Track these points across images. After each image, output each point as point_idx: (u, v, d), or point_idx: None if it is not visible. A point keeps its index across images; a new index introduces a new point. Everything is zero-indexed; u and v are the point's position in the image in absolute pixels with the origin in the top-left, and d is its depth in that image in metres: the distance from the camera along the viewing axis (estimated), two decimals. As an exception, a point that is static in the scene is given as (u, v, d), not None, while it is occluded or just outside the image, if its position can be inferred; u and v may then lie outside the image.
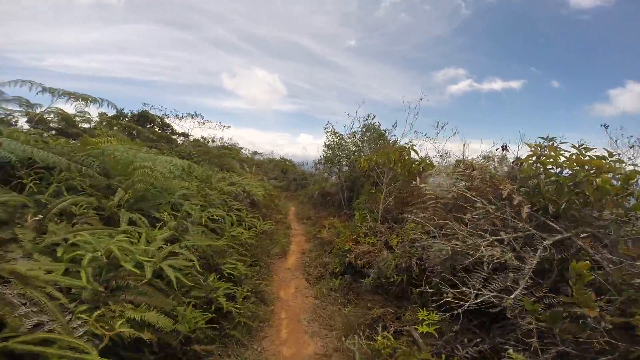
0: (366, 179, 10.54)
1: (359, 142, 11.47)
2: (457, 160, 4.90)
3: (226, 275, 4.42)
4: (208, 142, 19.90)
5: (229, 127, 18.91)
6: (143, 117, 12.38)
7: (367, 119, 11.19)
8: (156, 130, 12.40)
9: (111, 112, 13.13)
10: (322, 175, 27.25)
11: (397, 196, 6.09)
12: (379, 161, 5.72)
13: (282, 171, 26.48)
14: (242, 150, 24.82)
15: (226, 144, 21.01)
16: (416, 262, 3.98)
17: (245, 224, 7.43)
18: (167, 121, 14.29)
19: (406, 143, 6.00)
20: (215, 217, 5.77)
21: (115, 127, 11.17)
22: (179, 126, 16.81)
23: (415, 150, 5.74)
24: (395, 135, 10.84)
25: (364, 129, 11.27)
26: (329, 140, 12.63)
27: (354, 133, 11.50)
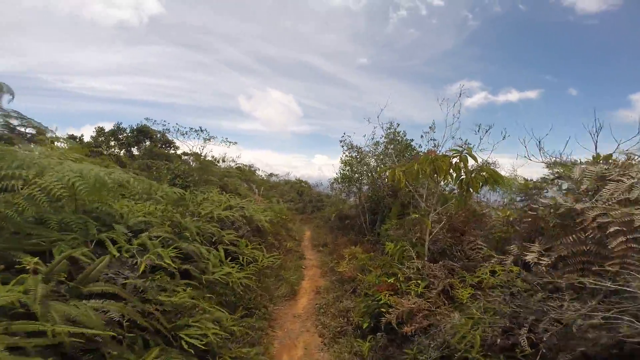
0: (394, 198, 8.73)
1: (382, 155, 9.78)
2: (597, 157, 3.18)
3: (186, 348, 2.72)
4: (218, 161, 18.78)
5: (235, 143, 17.71)
6: (142, 133, 11.36)
7: (390, 128, 9.56)
8: (156, 146, 11.28)
9: (108, 127, 12.28)
10: (338, 196, 25.62)
11: (449, 222, 4.32)
12: (422, 172, 3.98)
13: (298, 193, 25.43)
14: (258, 172, 24.17)
15: (239, 165, 19.81)
16: (526, 337, 2.17)
17: (244, 259, 5.77)
18: (169, 137, 13.29)
19: (451, 149, 4.30)
20: (200, 252, 4.17)
21: (112, 143, 10.05)
22: (183, 144, 15.79)
23: (473, 156, 4.01)
24: (422, 147, 9.12)
25: (386, 140, 9.63)
26: (346, 156, 11.01)
27: (376, 144, 9.84)
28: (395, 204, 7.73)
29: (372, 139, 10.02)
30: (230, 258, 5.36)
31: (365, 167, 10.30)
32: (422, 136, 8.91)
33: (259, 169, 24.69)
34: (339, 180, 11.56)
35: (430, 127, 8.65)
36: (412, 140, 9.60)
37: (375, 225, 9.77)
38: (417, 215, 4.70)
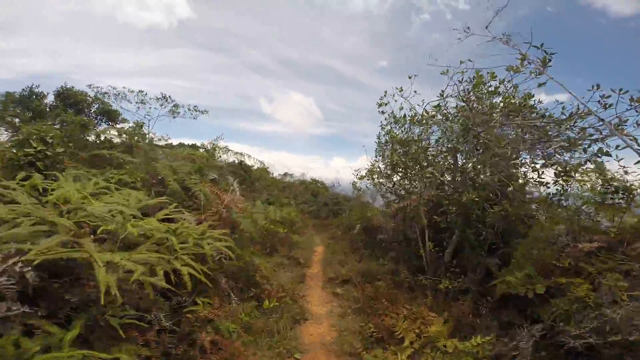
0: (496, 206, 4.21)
1: (463, 132, 5.16)
2: None
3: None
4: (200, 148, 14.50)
5: (206, 111, 13.62)
6: (65, 97, 7.49)
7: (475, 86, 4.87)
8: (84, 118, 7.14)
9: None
10: (360, 199, 21.10)
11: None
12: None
13: (313, 194, 21.78)
14: (270, 171, 22.82)
15: (217, 145, 15.08)
16: None
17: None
18: (109, 102, 9.42)
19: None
20: None
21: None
22: (136, 116, 11.70)
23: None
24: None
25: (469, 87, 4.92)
26: (389, 131, 6.42)
27: (466, 94, 5.07)
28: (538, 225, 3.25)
29: (445, 102, 5.32)
30: None
31: (423, 152, 5.73)
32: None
33: (269, 167, 22.95)
34: (374, 175, 7.06)
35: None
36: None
37: (442, 255, 5.31)
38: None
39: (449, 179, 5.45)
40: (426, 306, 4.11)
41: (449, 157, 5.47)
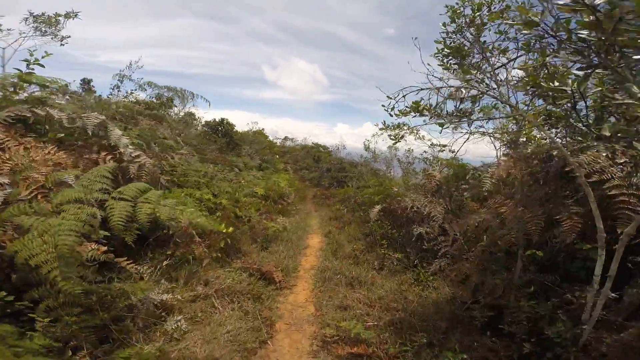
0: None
1: None
2: None
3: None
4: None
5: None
6: None
7: None
8: None
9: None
10: (367, 164, 17.64)
11: None
12: None
13: (314, 159, 19.08)
14: (266, 134, 21.21)
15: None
16: None
17: None
18: None
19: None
20: None
21: None
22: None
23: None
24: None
25: None
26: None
27: None
28: None
29: None
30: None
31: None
32: None
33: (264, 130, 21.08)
34: (423, 110, 3.42)
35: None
36: None
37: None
38: None
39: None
40: None
41: None
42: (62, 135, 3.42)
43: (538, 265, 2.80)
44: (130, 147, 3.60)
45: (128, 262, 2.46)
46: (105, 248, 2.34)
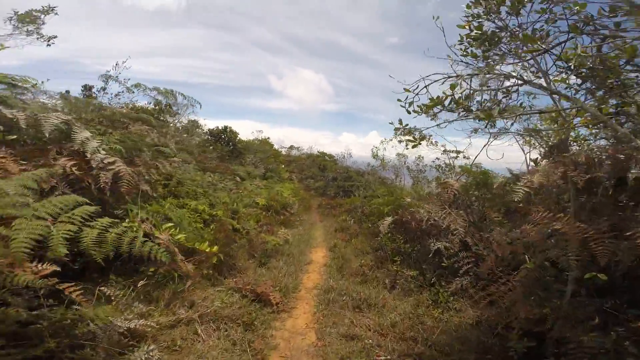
0: None
1: None
2: None
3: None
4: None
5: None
6: None
7: None
8: None
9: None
10: (375, 172, 17.14)
11: None
12: None
13: (320, 168, 18.72)
14: (272, 143, 21.07)
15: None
16: None
17: None
18: None
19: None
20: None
21: None
22: None
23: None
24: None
25: None
26: None
27: None
28: None
29: None
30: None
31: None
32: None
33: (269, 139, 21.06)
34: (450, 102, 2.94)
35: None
36: None
37: None
38: None
39: None
40: None
41: None
42: (14, 137, 3.03)
43: (592, 287, 2.26)
44: (102, 152, 3.19)
45: (76, 288, 1.98)
46: (51, 269, 1.89)
